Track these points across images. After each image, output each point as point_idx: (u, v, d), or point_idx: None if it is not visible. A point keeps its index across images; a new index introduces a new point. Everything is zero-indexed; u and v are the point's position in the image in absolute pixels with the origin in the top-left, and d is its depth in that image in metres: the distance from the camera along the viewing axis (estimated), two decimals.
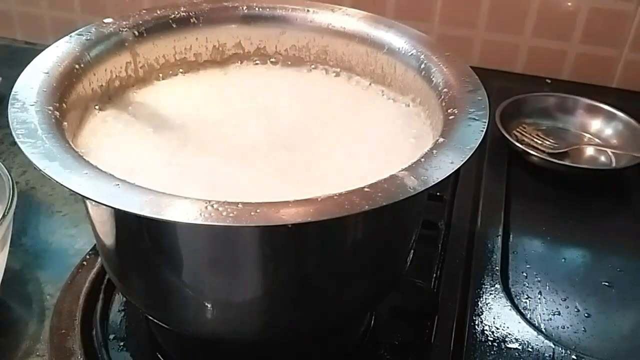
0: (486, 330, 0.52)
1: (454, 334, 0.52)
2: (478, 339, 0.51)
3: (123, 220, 0.41)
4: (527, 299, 0.56)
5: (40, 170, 0.36)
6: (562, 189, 0.71)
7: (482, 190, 0.69)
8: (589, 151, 0.76)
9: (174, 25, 0.55)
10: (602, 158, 0.75)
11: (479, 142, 0.40)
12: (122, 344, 0.52)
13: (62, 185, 0.35)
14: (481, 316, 0.53)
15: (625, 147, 0.74)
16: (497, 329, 0.52)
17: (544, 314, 0.55)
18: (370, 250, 0.43)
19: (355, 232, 0.41)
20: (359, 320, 0.53)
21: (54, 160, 0.37)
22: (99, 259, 0.57)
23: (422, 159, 0.38)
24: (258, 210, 0.33)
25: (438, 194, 0.67)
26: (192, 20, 0.56)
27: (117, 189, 0.35)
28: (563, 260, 0.61)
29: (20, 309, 0.56)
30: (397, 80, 0.53)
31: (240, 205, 0.34)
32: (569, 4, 0.85)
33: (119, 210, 0.34)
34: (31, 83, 0.44)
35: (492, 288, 0.56)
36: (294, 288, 0.42)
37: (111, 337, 0.52)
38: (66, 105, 0.45)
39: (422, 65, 0.50)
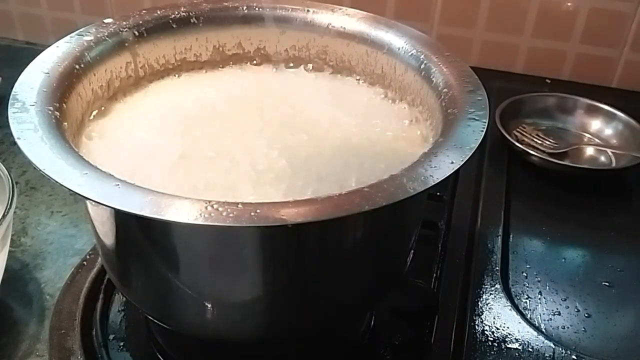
0: (486, 330, 0.52)
1: (454, 334, 0.52)
2: (478, 339, 0.51)
3: (123, 220, 0.41)
4: (527, 299, 0.56)
5: (40, 170, 0.36)
6: (562, 189, 0.71)
7: (482, 190, 0.69)
8: (589, 151, 0.76)
9: (174, 26, 0.55)
10: (602, 158, 0.75)
11: (479, 142, 0.40)
12: (122, 344, 0.52)
13: (62, 185, 0.35)
14: (481, 316, 0.53)
15: (625, 147, 0.74)
16: (497, 329, 0.52)
17: (544, 314, 0.55)
18: (370, 250, 0.43)
19: (355, 232, 0.41)
20: (359, 320, 0.53)
21: (53, 160, 0.37)
22: (99, 259, 0.57)
23: (422, 159, 0.38)
24: (258, 211, 0.33)
25: (438, 194, 0.67)
26: (192, 21, 0.56)
27: (117, 190, 0.35)
28: (563, 260, 0.61)
29: (20, 309, 0.56)
30: (397, 81, 0.53)
31: (240, 206, 0.34)
32: (569, 4, 0.85)
33: (118, 210, 0.34)
34: (31, 83, 0.44)
35: (492, 288, 0.56)
36: (294, 288, 0.42)
37: (111, 337, 0.52)
38: (66, 105, 0.45)
39: (422, 66, 0.50)
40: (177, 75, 0.56)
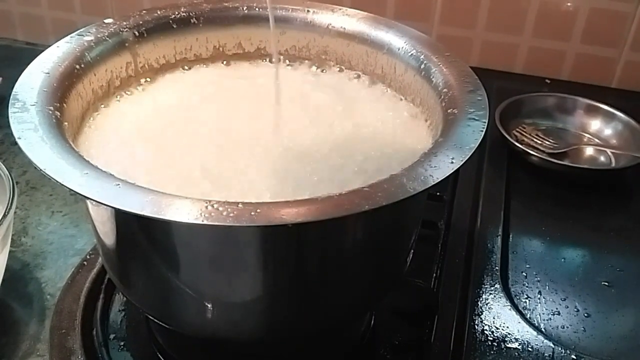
0: (486, 330, 0.52)
1: (454, 333, 0.52)
2: (478, 339, 0.51)
3: (123, 220, 0.41)
4: (526, 298, 0.56)
5: (41, 170, 0.36)
6: (561, 189, 0.71)
7: (482, 190, 0.69)
8: (589, 151, 0.76)
9: (174, 26, 0.55)
10: (602, 158, 0.75)
11: (479, 142, 0.40)
12: (122, 343, 0.52)
13: (62, 185, 0.35)
14: (481, 316, 0.53)
15: (624, 147, 0.74)
16: (497, 328, 0.52)
17: (543, 313, 0.55)
18: (370, 250, 0.43)
19: (355, 232, 0.41)
20: (359, 320, 0.53)
21: (54, 160, 0.37)
22: (100, 259, 0.57)
23: (422, 159, 0.38)
24: (258, 210, 0.33)
25: (438, 194, 0.67)
26: (192, 21, 0.56)
27: (117, 189, 0.35)
28: (563, 260, 0.61)
29: (21, 308, 0.56)
30: (397, 81, 0.53)
31: (240, 205, 0.34)
32: (569, 4, 0.85)
33: (119, 210, 0.34)
34: (32, 83, 0.44)
35: (492, 288, 0.56)
36: (294, 288, 0.42)
37: (111, 336, 0.52)
38: (67, 105, 0.45)
39: (422, 66, 0.50)
40: (177, 73, 0.56)
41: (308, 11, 0.56)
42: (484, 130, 0.41)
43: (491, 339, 0.51)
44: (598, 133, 0.78)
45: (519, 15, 0.87)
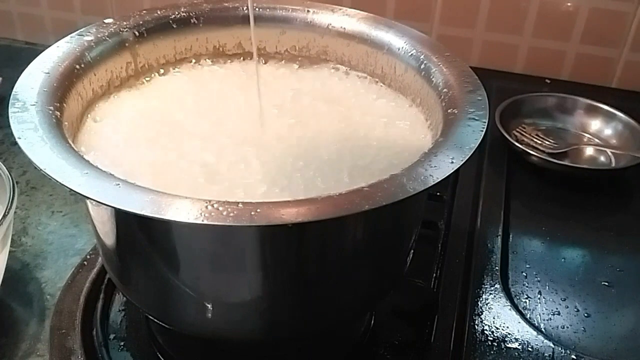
0: (486, 330, 0.52)
1: (453, 333, 0.52)
2: (478, 339, 0.51)
3: (123, 220, 0.41)
4: (526, 298, 0.56)
5: (41, 170, 0.36)
6: (561, 189, 0.71)
7: (482, 190, 0.69)
8: (589, 151, 0.76)
9: (174, 26, 0.55)
10: (602, 158, 0.75)
11: (479, 142, 0.40)
12: (122, 343, 0.52)
13: (62, 185, 0.35)
14: (481, 316, 0.53)
15: (624, 147, 0.75)
16: (497, 328, 0.52)
17: (543, 313, 0.55)
18: (370, 250, 0.43)
19: (355, 232, 0.41)
20: (359, 320, 0.53)
21: (54, 160, 0.37)
22: (100, 259, 0.57)
23: (422, 159, 0.38)
24: (258, 210, 0.33)
25: (438, 193, 0.67)
26: (192, 21, 0.56)
27: (117, 189, 0.35)
28: (563, 260, 0.61)
29: (21, 309, 0.56)
30: (397, 81, 0.53)
31: (240, 205, 0.34)
32: (569, 4, 0.85)
33: (119, 210, 0.34)
34: (32, 83, 0.44)
35: (492, 288, 0.56)
36: (294, 288, 0.42)
37: (111, 337, 0.52)
38: (67, 105, 0.45)
39: (422, 66, 0.50)
40: (176, 72, 0.56)
41: (308, 11, 0.56)
42: (484, 130, 0.41)
43: (491, 339, 0.51)
44: (598, 133, 0.78)
45: (519, 15, 0.87)
